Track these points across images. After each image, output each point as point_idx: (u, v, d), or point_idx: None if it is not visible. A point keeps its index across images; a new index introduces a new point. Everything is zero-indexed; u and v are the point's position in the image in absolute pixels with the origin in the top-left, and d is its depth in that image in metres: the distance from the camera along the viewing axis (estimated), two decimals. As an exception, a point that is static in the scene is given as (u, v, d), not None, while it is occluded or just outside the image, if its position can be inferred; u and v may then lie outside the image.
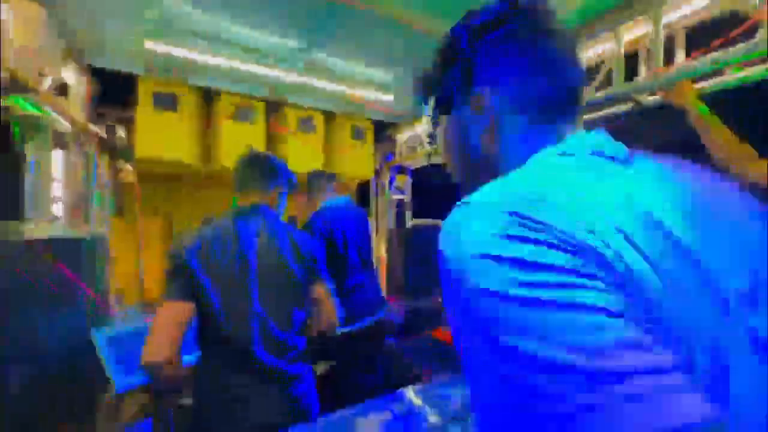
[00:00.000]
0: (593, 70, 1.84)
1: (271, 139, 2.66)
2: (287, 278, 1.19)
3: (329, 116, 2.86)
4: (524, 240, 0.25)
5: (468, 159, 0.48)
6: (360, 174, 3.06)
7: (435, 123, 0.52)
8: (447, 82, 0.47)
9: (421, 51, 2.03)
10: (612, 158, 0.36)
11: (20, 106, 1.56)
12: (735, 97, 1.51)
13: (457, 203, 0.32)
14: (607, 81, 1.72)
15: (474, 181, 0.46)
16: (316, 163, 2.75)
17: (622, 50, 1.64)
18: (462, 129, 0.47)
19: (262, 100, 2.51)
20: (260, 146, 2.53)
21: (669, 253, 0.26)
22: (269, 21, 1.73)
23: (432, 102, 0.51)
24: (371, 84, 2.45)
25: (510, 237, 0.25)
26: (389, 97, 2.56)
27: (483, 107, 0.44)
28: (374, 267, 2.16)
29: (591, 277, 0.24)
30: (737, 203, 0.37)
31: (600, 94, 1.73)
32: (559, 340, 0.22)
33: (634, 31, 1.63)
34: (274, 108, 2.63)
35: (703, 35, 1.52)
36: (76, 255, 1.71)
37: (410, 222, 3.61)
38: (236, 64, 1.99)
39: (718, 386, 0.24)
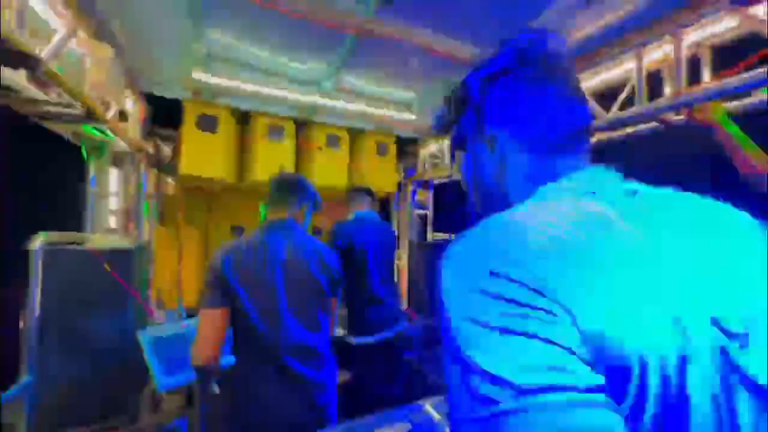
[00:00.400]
0: (616, 90, 1.85)
1: (300, 155, 2.83)
2: (314, 287, 1.28)
3: (355, 133, 3.00)
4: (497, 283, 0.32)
5: (480, 190, 0.54)
6: (383, 188, 3.16)
7: (453, 158, 0.59)
8: (462, 125, 0.54)
9: (441, 71, 2.12)
10: (600, 195, 0.40)
11: (88, 130, 1.79)
12: (760, 118, 1.48)
13: (460, 235, 0.38)
14: (631, 100, 1.72)
15: (486, 209, 0.53)
16: (342, 178, 2.88)
17: (644, 70, 1.65)
18: (475, 165, 0.53)
19: (292, 120, 2.68)
20: (290, 162, 2.69)
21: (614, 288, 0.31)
22: (299, 49, 1.89)
23: (449, 141, 0.58)
24: (395, 103, 2.56)
25: (488, 284, 0.33)
26: (412, 115, 2.66)
27: (493, 147, 0.50)
28: (395, 280, 2.22)
29: (537, 309, 0.30)
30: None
31: (623, 113, 1.74)
32: (500, 357, 0.29)
33: (657, 51, 1.64)
34: (303, 127, 2.79)
35: (731, 55, 1.51)
36: (126, 262, 1.90)
37: (431, 236, 3.65)
38: (269, 89, 2.16)
39: (672, 405, 0.30)
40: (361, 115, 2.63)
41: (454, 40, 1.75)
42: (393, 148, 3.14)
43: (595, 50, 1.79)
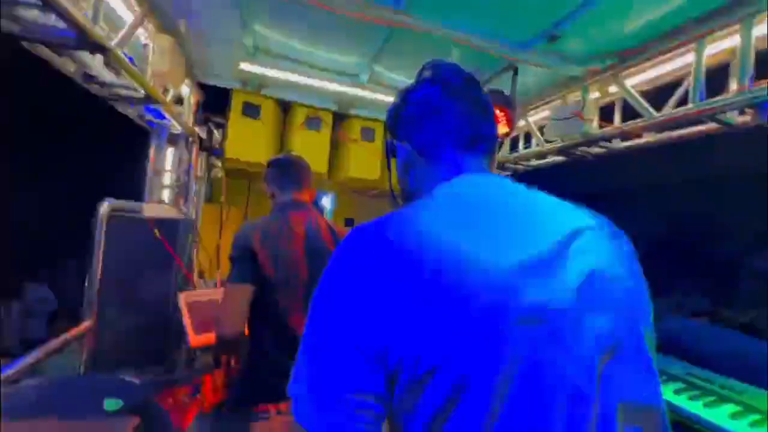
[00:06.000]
0: (670, 87, 1.70)
1: (336, 146, 2.93)
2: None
3: (389, 126, 3.04)
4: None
5: (400, 189, 0.66)
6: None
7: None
8: (386, 137, 0.68)
9: (472, 64, 2.08)
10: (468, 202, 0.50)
11: (148, 113, 2.02)
12: None
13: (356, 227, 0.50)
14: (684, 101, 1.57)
15: (405, 202, 0.65)
16: (374, 171, 2.94)
17: (704, 64, 1.49)
18: (397, 166, 0.66)
19: (330, 111, 2.79)
20: (325, 152, 2.80)
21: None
22: (337, 42, 1.96)
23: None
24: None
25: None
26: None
27: (399, 154, 0.63)
28: None
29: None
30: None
31: (677, 111, 1.59)
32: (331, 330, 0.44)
33: (720, 43, 1.47)
34: (340, 118, 2.89)
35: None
36: (174, 232, 2.13)
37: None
38: (308, 79, 2.27)
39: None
40: (396, 109, 2.66)
41: (487, 34, 1.71)
42: (427, 143, 3.14)
43: (649, 42, 1.65)
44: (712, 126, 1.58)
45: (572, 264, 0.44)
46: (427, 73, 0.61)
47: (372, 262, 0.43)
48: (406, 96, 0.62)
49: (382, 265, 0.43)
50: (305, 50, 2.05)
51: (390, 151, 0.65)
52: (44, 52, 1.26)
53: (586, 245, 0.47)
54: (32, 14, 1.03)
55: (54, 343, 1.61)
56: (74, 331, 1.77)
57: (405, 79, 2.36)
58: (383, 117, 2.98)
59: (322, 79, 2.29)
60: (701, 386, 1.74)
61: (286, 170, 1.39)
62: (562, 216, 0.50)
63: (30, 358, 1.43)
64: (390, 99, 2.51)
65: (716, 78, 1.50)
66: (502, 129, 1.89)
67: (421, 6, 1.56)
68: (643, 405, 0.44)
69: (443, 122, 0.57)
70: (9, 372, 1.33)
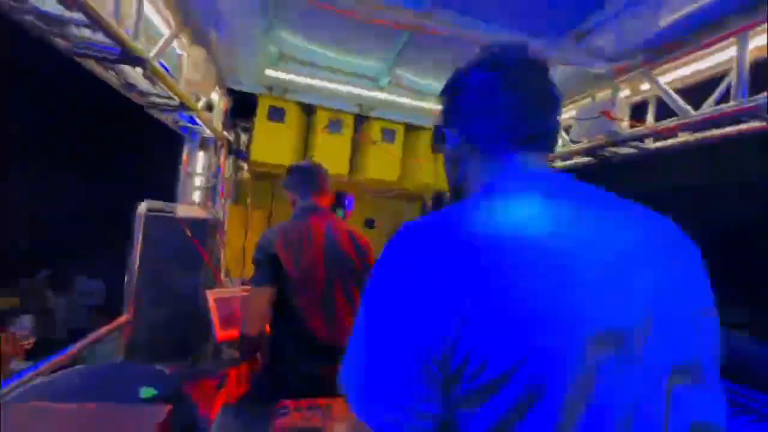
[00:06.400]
0: (711, 82, 1.60)
1: (357, 148, 2.97)
2: (351, 266, 1.39)
3: (410, 128, 3.04)
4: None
5: (448, 180, 0.62)
6: (435, 184, 3.16)
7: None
8: (438, 122, 0.62)
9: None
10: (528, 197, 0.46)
11: (182, 119, 2.14)
12: None
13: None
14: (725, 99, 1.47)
15: (453, 200, 0.61)
16: (394, 173, 2.95)
17: (747, 59, 1.40)
18: (445, 156, 0.61)
19: (351, 114, 2.83)
20: (346, 154, 2.85)
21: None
22: (358, 47, 2.00)
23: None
24: (451, 99, 2.55)
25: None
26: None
27: (449, 143, 0.58)
28: None
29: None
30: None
31: (717, 109, 1.49)
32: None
33: (764, 36, 1.37)
34: (361, 121, 2.93)
35: None
36: (203, 232, 2.24)
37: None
38: (330, 84, 2.33)
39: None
40: (416, 111, 2.66)
41: (512, 34, 1.69)
42: (447, 145, 3.11)
43: (687, 37, 1.56)
44: (754, 125, 1.48)
45: (647, 274, 0.42)
46: (488, 56, 0.54)
47: (439, 257, 0.39)
48: (462, 80, 0.55)
49: (451, 260, 0.39)
50: (327, 55, 2.11)
51: (439, 139, 0.60)
52: (91, 65, 1.38)
53: (661, 253, 0.44)
54: (82, 32, 1.13)
55: (96, 334, 1.74)
56: (114, 324, 1.91)
57: (425, 81, 2.36)
58: (403, 119, 3.00)
59: (344, 83, 2.33)
60: (742, 403, 1.62)
61: (306, 177, 1.44)
62: (635, 220, 0.47)
63: (75, 348, 1.56)
64: (410, 102, 2.54)
65: (759, 74, 1.40)
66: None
67: (443, 9, 1.56)
68: (714, 427, 0.42)
69: (501, 115, 0.51)
70: (56, 359, 1.45)
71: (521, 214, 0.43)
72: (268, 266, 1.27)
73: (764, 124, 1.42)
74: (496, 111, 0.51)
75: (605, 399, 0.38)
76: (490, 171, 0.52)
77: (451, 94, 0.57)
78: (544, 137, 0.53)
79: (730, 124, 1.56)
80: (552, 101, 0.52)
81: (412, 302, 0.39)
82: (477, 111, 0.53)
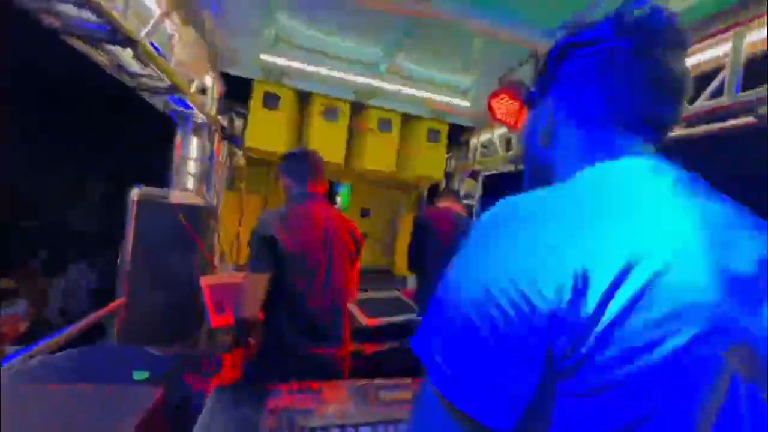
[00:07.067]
0: (706, 77, 1.60)
1: (353, 136, 2.94)
2: (347, 253, 1.41)
3: (407, 118, 3.02)
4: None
5: (529, 155, 0.55)
6: (431, 175, 3.15)
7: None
8: (534, 84, 0.55)
9: (496, 58, 2.03)
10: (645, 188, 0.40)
11: (174, 102, 2.10)
12: None
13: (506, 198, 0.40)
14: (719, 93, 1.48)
15: (531, 177, 0.55)
16: (390, 162, 2.94)
17: (742, 55, 1.40)
18: (531, 124, 0.54)
19: (347, 102, 2.80)
20: (342, 143, 2.83)
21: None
22: (358, 32, 1.96)
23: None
24: (448, 89, 2.52)
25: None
26: (466, 102, 2.59)
27: (547, 111, 0.50)
28: None
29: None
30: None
31: (709, 104, 1.50)
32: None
33: (760, 32, 1.37)
34: (357, 109, 2.90)
35: None
36: (197, 218, 2.23)
37: (476, 228, 3.55)
38: (328, 70, 2.29)
39: None
40: (414, 100, 2.64)
41: (512, 25, 1.66)
42: (444, 135, 3.10)
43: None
44: (749, 120, 1.48)
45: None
46: (617, 18, 0.45)
47: (583, 245, 0.34)
48: (578, 41, 0.47)
49: (596, 250, 0.34)
50: (326, 40, 2.07)
51: (533, 101, 0.53)
52: (80, 45, 1.34)
53: None
54: (69, 10, 1.10)
55: (91, 317, 1.74)
56: (108, 308, 1.91)
57: (424, 70, 2.33)
58: (401, 108, 2.97)
59: (341, 69, 2.29)
60: None
61: (301, 163, 1.43)
62: (753, 226, 0.41)
63: (69, 331, 1.57)
64: (408, 90, 2.51)
65: (754, 70, 1.40)
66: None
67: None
68: None
69: (616, 91, 0.44)
70: (51, 341, 1.46)
71: (652, 209, 0.38)
72: (265, 249, 1.26)
73: (756, 120, 1.43)
74: (612, 83, 0.44)
75: (731, 416, 0.35)
76: (588, 150, 0.46)
77: (559, 53, 0.49)
78: (662, 126, 0.46)
79: (723, 120, 1.56)
80: (682, 87, 0.45)
81: (543, 285, 0.34)
82: (589, 79, 0.45)
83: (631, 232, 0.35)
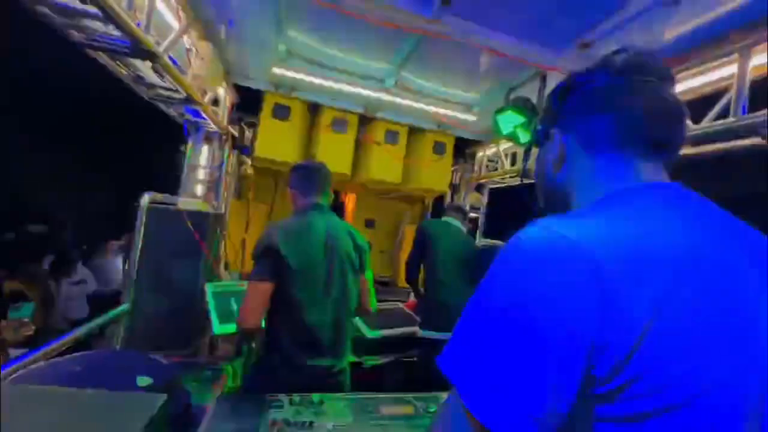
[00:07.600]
0: (711, 99, 1.61)
1: (360, 147, 2.98)
2: (351, 265, 1.41)
3: (413, 130, 3.05)
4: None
5: (542, 181, 0.59)
6: (436, 188, 3.17)
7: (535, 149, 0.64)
8: (541, 122, 0.60)
9: (504, 73, 2.07)
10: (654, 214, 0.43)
11: (187, 112, 2.16)
12: None
13: (537, 223, 0.42)
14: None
15: (547, 207, 0.60)
16: (396, 174, 2.97)
17: (748, 76, 1.41)
18: (542, 158, 0.59)
19: (355, 114, 2.85)
20: (349, 154, 2.87)
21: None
22: (367, 48, 2.02)
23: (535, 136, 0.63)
24: (455, 103, 2.56)
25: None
26: (472, 117, 2.63)
27: (557, 142, 0.55)
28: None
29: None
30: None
31: (715, 124, 1.51)
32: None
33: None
34: (365, 121, 2.94)
35: None
36: (204, 225, 2.26)
37: (480, 241, 3.55)
38: (337, 83, 2.34)
39: None
40: (421, 113, 2.68)
41: (518, 42, 1.70)
42: (450, 148, 3.13)
43: (691, 51, 1.57)
44: (756, 140, 1.49)
45: None
46: (613, 60, 0.52)
47: (619, 268, 0.36)
48: (581, 81, 0.54)
49: (632, 272, 0.36)
50: (336, 55, 2.12)
51: (541, 138, 0.58)
52: (102, 58, 1.40)
53: None
54: (95, 25, 1.15)
55: (95, 322, 1.76)
56: (113, 313, 1.93)
57: (431, 85, 2.38)
58: (407, 121, 3.01)
59: (350, 83, 2.35)
60: None
61: (308, 176, 1.45)
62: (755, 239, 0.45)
63: (75, 335, 1.58)
64: (415, 104, 2.55)
65: (760, 91, 1.41)
66: (526, 138, 1.87)
67: (451, 16, 1.58)
68: None
69: (624, 118, 0.49)
70: (54, 345, 1.47)
71: (677, 231, 0.41)
72: (269, 261, 1.28)
73: (763, 140, 1.43)
74: (621, 115, 0.49)
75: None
76: (602, 175, 0.50)
77: (565, 94, 0.55)
78: (669, 148, 0.50)
79: (729, 140, 1.57)
80: (679, 112, 0.50)
81: (583, 306, 0.35)
82: (597, 112, 0.50)
83: (667, 262, 0.37)
